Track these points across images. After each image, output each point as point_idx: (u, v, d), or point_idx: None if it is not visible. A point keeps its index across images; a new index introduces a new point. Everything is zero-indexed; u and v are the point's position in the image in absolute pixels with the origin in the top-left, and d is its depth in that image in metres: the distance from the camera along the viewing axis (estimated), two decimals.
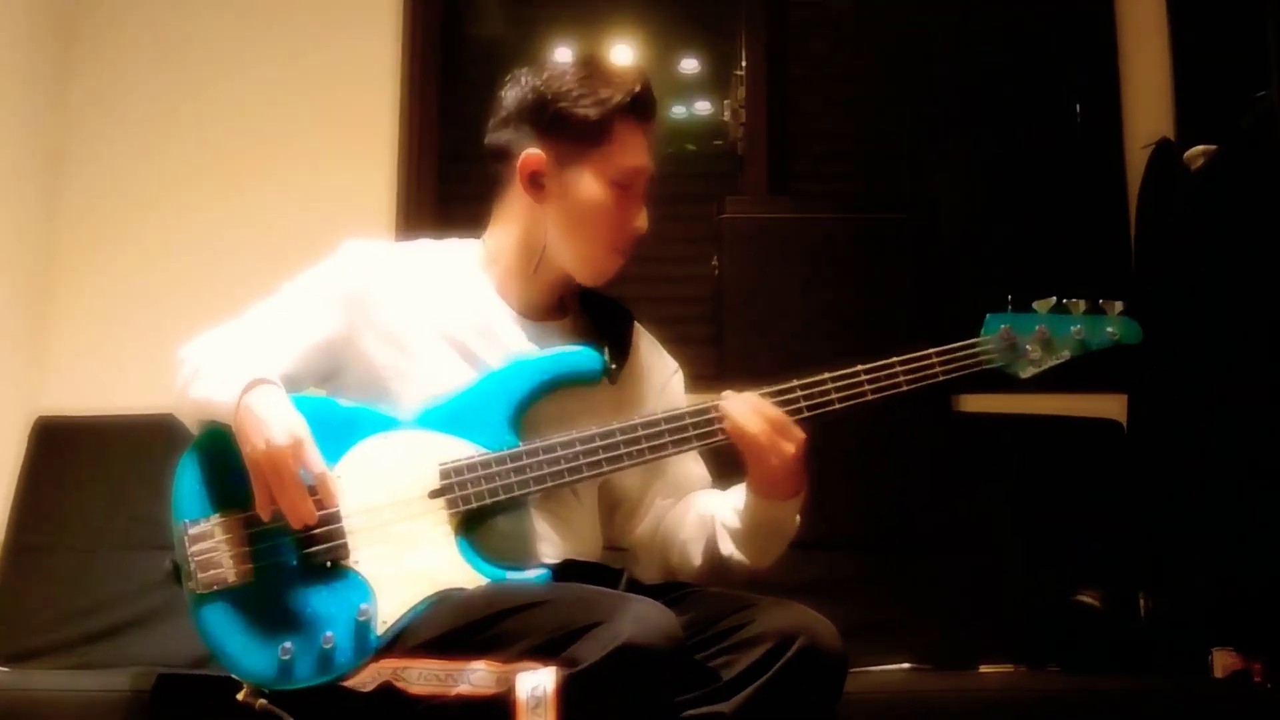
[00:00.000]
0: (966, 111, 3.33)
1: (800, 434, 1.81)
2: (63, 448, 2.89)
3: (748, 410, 1.81)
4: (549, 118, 1.91)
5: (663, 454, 1.85)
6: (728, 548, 1.91)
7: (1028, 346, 1.90)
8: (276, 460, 1.70)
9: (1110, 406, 2.88)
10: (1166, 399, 2.70)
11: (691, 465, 2.04)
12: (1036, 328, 1.90)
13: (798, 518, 1.91)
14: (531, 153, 1.92)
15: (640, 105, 1.93)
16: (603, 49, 3.39)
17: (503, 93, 1.98)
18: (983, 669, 2.44)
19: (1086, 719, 2.03)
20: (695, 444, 1.85)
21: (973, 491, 2.78)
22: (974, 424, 2.87)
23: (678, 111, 3.42)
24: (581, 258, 1.95)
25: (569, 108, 1.90)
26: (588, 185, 1.92)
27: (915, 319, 2.80)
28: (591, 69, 1.94)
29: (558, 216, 1.93)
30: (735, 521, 1.91)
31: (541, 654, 1.57)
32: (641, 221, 1.95)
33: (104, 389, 2.98)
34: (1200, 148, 2.73)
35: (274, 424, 1.72)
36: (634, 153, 1.93)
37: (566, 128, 1.91)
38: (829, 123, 3.38)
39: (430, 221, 3.20)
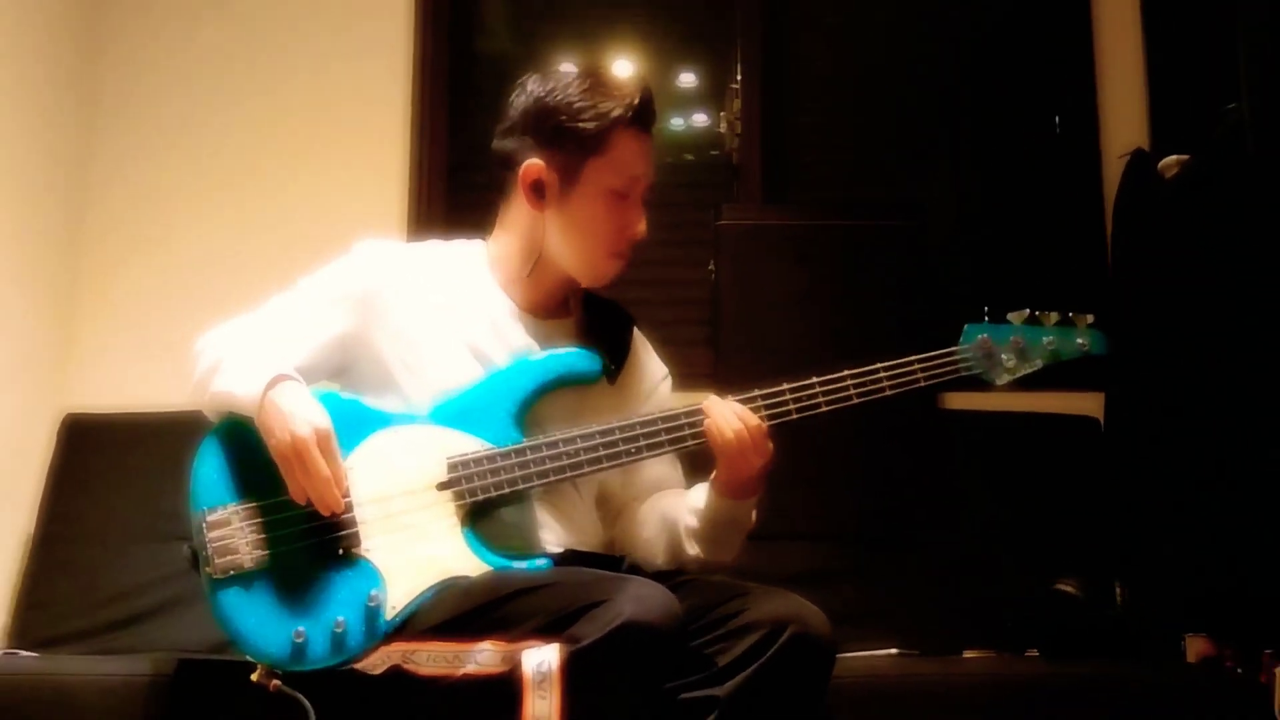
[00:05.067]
0: (951, 122, 3.33)
1: (770, 449, 1.81)
2: (90, 443, 2.89)
3: (730, 416, 1.81)
4: (550, 130, 1.90)
5: (659, 451, 1.84)
6: (693, 549, 1.91)
7: (1004, 355, 1.91)
8: (304, 452, 1.71)
9: (1088, 404, 2.87)
10: (1143, 398, 2.70)
11: (667, 467, 2.02)
12: (1011, 338, 1.91)
13: (754, 514, 1.91)
14: (533, 163, 1.91)
15: (639, 116, 1.90)
16: (604, 63, 3.38)
17: (511, 100, 1.96)
18: (966, 654, 2.44)
19: (1065, 703, 2.02)
20: (690, 443, 1.84)
21: (957, 485, 2.77)
22: (958, 421, 2.85)
23: (676, 123, 3.41)
24: (581, 261, 1.94)
25: (569, 121, 1.88)
26: (587, 194, 1.90)
27: (903, 322, 2.79)
28: (593, 81, 1.91)
29: (557, 223, 1.92)
30: (695, 522, 1.90)
31: (545, 633, 1.57)
32: (641, 227, 1.93)
33: (129, 387, 2.98)
34: (1174, 158, 2.72)
35: (299, 418, 1.72)
36: (632, 162, 1.91)
37: (567, 139, 1.89)
38: (821, 133, 3.37)
39: (439, 225, 3.19)
